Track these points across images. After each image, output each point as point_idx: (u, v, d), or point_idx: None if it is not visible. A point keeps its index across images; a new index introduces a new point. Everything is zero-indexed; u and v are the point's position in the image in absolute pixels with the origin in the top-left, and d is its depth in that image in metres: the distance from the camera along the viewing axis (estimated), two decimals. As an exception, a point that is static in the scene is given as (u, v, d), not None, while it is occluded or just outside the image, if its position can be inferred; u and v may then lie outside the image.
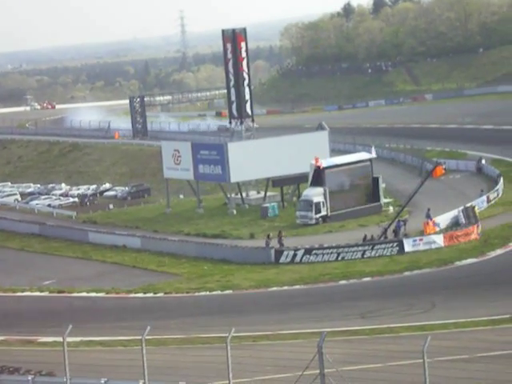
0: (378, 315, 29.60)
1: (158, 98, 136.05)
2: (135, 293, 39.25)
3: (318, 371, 16.14)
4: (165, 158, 61.85)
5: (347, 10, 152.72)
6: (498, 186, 54.47)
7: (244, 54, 60.78)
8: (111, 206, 66.83)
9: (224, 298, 37.45)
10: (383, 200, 53.29)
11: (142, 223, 57.01)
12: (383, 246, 42.83)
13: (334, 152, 61.03)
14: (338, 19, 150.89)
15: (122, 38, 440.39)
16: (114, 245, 51.38)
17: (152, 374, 17.36)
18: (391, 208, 50.94)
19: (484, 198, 51.71)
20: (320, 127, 61.16)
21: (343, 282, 38.02)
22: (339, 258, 42.52)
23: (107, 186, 78.17)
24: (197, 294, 38.29)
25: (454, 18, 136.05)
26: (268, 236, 45.68)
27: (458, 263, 39.54)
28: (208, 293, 38.27)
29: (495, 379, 16.55)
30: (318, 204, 50.56)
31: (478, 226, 44.49)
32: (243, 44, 60.72)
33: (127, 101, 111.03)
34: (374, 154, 56.76)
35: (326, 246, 43.32)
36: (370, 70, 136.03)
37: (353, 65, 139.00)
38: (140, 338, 17.14)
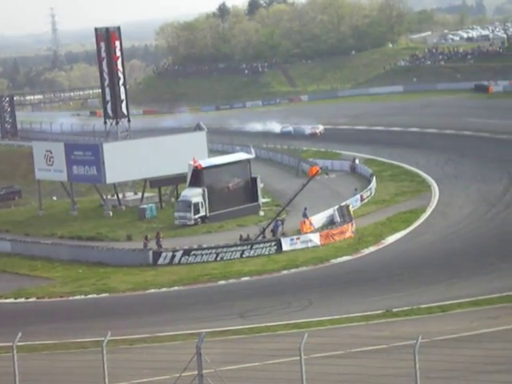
0: (257, 314, 29.74)
1: (28, 98, 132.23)
2: (5, 298, 37.91)
3: (196, 372, 15.98)
4: (36, 158, 59.96)
5: (222, 11, 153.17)
6: (370, 185, 56.08)
7: (118, 53, 59.71)
8: (-21, 209, 64.09)
9: (100, 301, 36.70)
10: (261, 200, 53.76)
11: (12, 226, 55.07)
12: (261, 245, 43.16)
13: (212, 152, 61.02)
14: (213, 20, 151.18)
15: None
16: (-17, 249, 49.33)
17: (24, 381, 16.79)
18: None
19: (358, 196, 53.10)
20: (198, 128, 60.98)
21: (222, 282, 38.06)
22: (218, 259, 42.51)
23: (-26, 188, 74.82)
24: (71, 298, 37.38)
25: (327, 20, 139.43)
26: (146, 237, 45.07)
27: (333, 261, 40.38)
28: (83, 296, 37.44)
29: (368, 374, 16.92)
30: (196, 204, 50.37)
31: (352, 225, 45.62)
32: (117, 43, 59.61)
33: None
34: (252, 154, 57.17)
35: (204, 246, 43.20)
36: (246, 71, 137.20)
37: (229, 65, 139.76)
38: (11, 344, 16.47)
